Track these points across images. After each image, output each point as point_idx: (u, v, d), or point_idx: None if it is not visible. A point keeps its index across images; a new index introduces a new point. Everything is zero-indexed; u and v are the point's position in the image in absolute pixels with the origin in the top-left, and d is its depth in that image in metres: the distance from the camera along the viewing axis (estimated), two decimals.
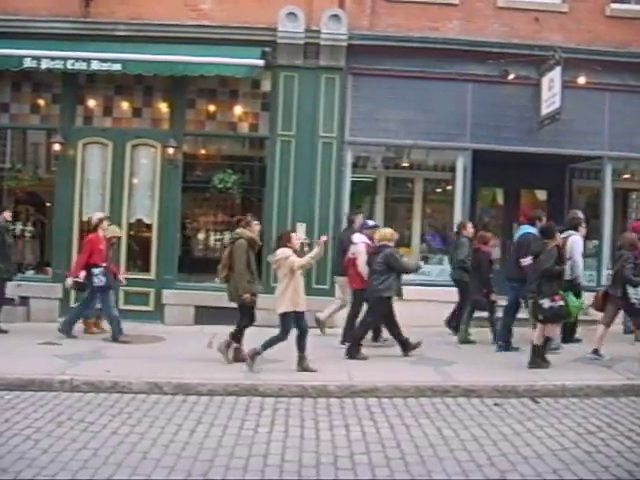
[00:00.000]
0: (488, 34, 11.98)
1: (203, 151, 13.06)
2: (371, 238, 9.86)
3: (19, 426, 6.13)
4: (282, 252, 8.39)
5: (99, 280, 10.01)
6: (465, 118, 12.18)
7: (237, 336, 8.81)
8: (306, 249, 11.32)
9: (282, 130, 11.89)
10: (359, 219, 10.78)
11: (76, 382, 7.53)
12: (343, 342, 9.79)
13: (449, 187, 13.12)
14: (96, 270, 10.00)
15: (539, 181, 13.73)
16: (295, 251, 8.50)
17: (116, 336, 10.03)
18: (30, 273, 12.23)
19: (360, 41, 11.78)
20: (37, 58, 10.87)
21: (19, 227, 12.41)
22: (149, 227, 12.09)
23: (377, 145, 12.64)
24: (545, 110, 11.79)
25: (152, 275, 11.85)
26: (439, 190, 13.88)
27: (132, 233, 12.15)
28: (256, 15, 11.58)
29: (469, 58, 11.87)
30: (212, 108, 12.19)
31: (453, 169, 12.58)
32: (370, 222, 10.59)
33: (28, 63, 10.90)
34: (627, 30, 12.14)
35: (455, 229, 11.44)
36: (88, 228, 10.63)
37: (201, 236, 12.82)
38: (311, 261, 8.62)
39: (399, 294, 9.56)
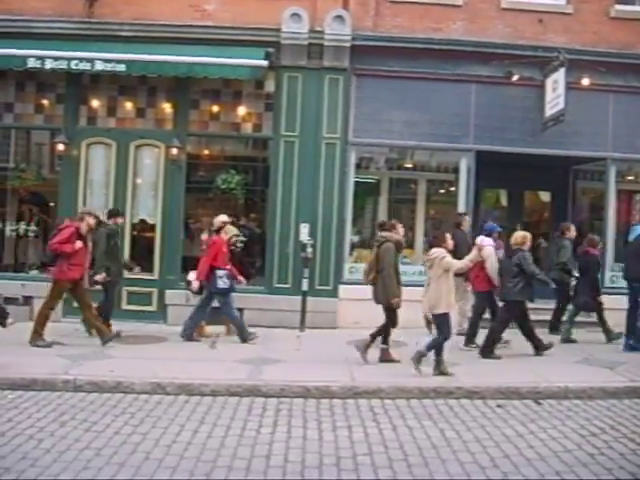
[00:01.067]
0: (492, 35, 11.97)
1: (206, 151, 13.06)
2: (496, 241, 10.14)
3: (22, 426, 6.13)
4: (437, 252, 8.33)
5: (223, 283, 10.00)
6: (469, 119, 12.18)
7: (385, 337, 8.93)
8: (309, 249, 11.42)
9: (286, 131, 11.90)
10: (466, 221, 10.86)
11: (79, 382, 7.54)
12: (467, 344, 9.89)
13: (452, 188, 13.11)
14: (220, 272, 10.01)
15: (543, 182, 13.72)
16: (450, 252, 8.45)
17: (245, 337, 10.11)
18: (34, 273, 12.23)
19: (364, 42, 11.78)
20: (41, 58, 10.89)
21: (22, 227, 12.42)
22: (152, 227, 12.10)
23: (380, 146, 12.63)
24: (549, 111, 11.78)
25: (155, 275, 11.86)
26: (442, 191, 13.87)
27: (135, 233, 12.17)
28: (260, 16, 11.58)
29: (473, 59, 11.88)
30: (216, 109, 12.20)
31: (456, 170, 12.57)
32: (497, 227, 10.53)
33: (32, 63, 10.92)
34: (631, 31, 12.12)
35: (557, 231, 11.51)
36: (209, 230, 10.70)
37: (204, 236, 12.79)
38: (469, 264, 8.61)
39: (530, 299, 9.52)
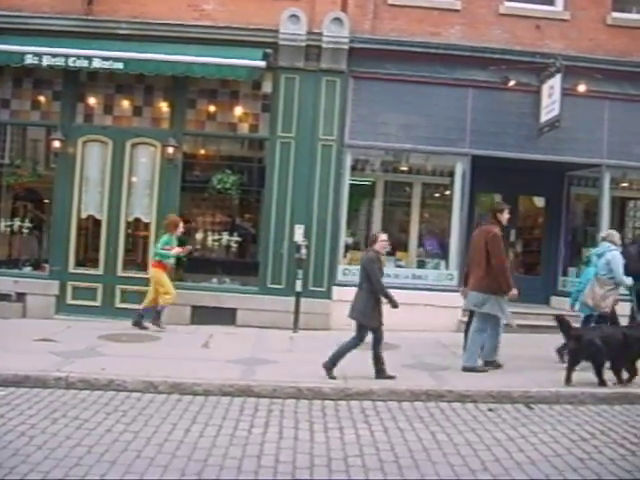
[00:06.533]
0: (489, 40, 12.02)
1: (203, 151, 13.06)
2: None
3: (14, 422, 6.12)
4: None
5: None
6: (465, 124, 12.21)
7: None
8: (304, 250, 11.44)
9: (282, 132, 11.92)
10: None
11: (71, 379, 7.52)
12: None
13: (447, 192, 13.14)
14: None
15: (537, 188, 13.77)
16: None
17: None
18: (27, 270, 12.22)
19: (362, 45, 11.82)
20: (39, 55, 10.92)
21: (17, 223, 12.40)
22: (147, 226, 12.10)
23: (376, 149, 12.63)
24: (544, 117, 11.84)
25: (149, 274, 11.84)
26: (437, 195, 13.88)
27: (130, 232, 12.17)
28: (258, 16, 11.61)
29: (470, 64, 11.92)
30: (212, 108, 12.22)
31: (452, 174, 12.61)
32: None
33: (30, 59, 10.94)
34: (628, 39, 12.21)
35: None
36: None
37: (199, 236, 12.81)
38: None
39: None
